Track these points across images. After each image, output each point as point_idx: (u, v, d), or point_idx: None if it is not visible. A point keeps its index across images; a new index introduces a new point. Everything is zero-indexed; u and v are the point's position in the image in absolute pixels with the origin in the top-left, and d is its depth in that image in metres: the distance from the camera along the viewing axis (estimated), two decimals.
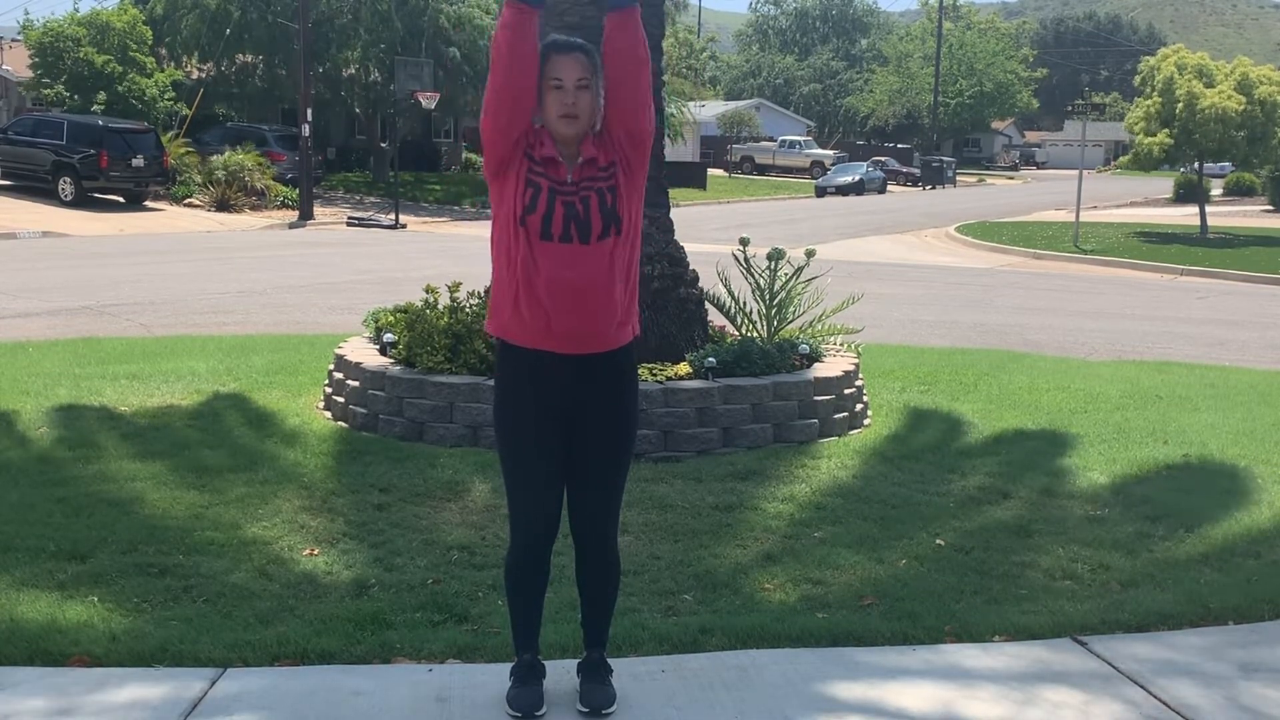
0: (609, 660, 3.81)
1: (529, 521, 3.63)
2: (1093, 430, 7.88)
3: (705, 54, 68.92)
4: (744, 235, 8.53)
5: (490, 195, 3.61)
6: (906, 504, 6.09)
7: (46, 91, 31.55)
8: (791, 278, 8.29)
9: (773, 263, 8.22)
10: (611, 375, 3.59)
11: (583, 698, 3.69)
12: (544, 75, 3.50)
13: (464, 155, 43.92)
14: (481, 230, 3.92)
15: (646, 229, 7.56)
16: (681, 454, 6.93)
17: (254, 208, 30.03)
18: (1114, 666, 4.16)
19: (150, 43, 33.24)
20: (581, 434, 3.60)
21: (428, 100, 30.29)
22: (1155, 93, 28.19)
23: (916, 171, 61.27)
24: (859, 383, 8.01)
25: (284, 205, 30.49)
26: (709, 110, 62.81)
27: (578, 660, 3.83)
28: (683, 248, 8.03)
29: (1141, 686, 4.01)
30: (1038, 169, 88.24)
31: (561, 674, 3.91)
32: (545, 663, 3.79)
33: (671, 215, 7.99)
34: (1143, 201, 47.85)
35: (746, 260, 8.36)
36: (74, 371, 9.07)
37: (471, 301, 7.67)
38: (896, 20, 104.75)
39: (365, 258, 20.70)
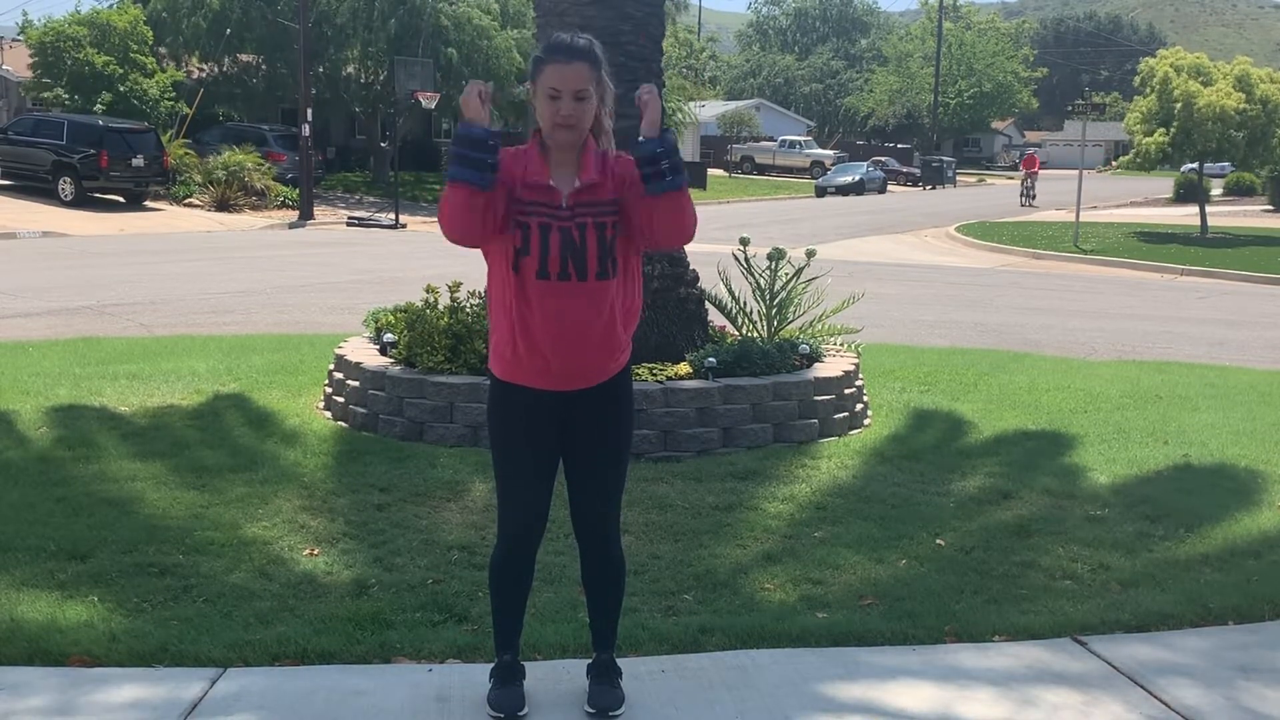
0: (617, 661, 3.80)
1: (515, 522, 3.64)
2: (1093, 430, 7.88)
3: (705, 54, 69.01)
4: (744, 235, 8.53)
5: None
6: (906, 504, 6.09)
7: (46, 95, 31.53)
8: (792, 278, 8.30)
9: (773, 263, 8.22)
10: (606, 395, 3.58)
11: (591, 699, 3.69)
12: (539, 83, 3.37)
13: None
14: None
15: None
16: (681, 454, 6.93)
17: (254, 208, 30.03)
18: (1114, 667, 4.16)
19: (151, 43, 33.23)
20: (577, 444, 3.60)
21: (428, 100, 30.28)
22: (1152, 92, 28.19)
23: (916, 171, 61.27)
24: (859, 383, 8.01)
25: (284, 205, 30.50)
26: (709, 110, 62.82)
27: (586, 661, 3.82)
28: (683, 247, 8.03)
29: (1141, 687, 4.01)
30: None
31: (561, 674, 3.92)
32: (545, 662, 3.77)
33: None
34: (1143, 201, 47.86)
35: (747, 260, 8.36)
36: (74, 371, 9.07)
37: (472, 301, 7.67)
38: (896, 20, 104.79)
39: (365, 257, 20.70)
